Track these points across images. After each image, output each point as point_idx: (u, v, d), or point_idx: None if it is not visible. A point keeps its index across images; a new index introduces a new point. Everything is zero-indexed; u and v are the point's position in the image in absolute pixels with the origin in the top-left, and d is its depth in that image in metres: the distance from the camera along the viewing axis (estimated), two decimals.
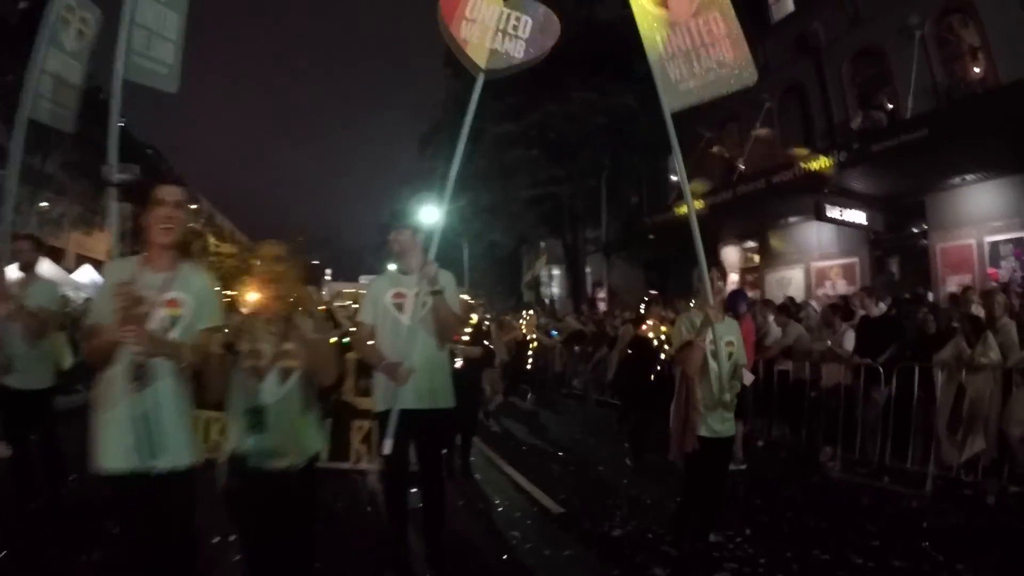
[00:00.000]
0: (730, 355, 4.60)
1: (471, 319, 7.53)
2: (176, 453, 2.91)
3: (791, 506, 6.36)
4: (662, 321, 8.53)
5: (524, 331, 12.84)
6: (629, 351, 8.97)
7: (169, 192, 3.04)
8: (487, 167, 22.10)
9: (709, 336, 4.41)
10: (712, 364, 4.48)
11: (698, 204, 10.99)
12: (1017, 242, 12.15)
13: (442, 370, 4.55)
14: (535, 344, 13.30)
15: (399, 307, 4.47)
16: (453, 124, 20.46)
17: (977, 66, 13.12)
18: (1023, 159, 11.28)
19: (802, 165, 13.48)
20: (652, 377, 8.08)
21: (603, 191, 22.75)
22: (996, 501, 6.28)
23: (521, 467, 7.81)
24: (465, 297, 7.13)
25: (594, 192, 22.87)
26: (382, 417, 4.33)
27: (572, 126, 20.95)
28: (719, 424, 4.52)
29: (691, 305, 4.67)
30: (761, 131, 16.81)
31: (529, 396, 11.77)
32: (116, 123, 3.94)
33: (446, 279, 4.40)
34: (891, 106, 14.61)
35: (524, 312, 14.65)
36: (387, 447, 4.18)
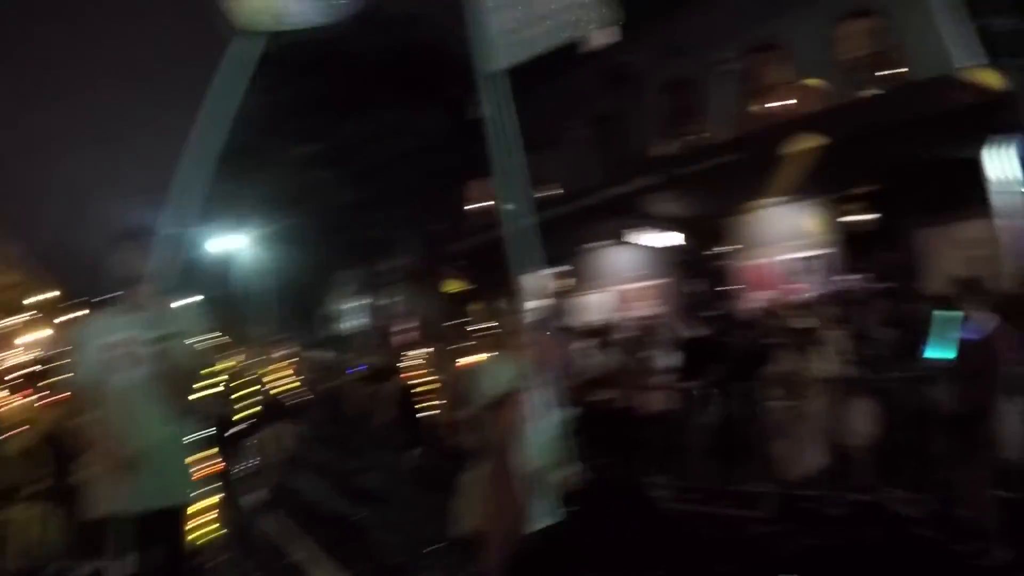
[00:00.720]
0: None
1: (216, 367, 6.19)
2: None
3: (631, 552, 5.57)
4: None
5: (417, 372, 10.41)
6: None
7: None
8: (284, 190, 20.58)
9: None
10: (533, 426, 3.12)
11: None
12: (816, 259, 12.98)
13: (177, 452, 3.23)
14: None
15: (119, 361, 3.13)
16: (255, 143, 19.11)
17: (784, 98, 13.89)
18: (820, 183, 11.96)
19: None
20: None
21: (408, 218, 21.89)
22: (839, 513, 6.11)
23: (314, 538, 6.58)
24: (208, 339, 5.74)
25: (400, 219, 21.96)
26: (94, 525, 3.01)
27: (377, 149, 20.01)
28: (548, 509, 3.21)
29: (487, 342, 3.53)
30: None
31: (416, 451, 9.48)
32: None
33: (184, 319, 3.13)
34: (703, 134, 15.20)
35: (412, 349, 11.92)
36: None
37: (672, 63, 15.51)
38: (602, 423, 8.17)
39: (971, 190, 10.67)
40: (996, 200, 10.60)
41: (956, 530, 5.26)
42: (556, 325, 7.96)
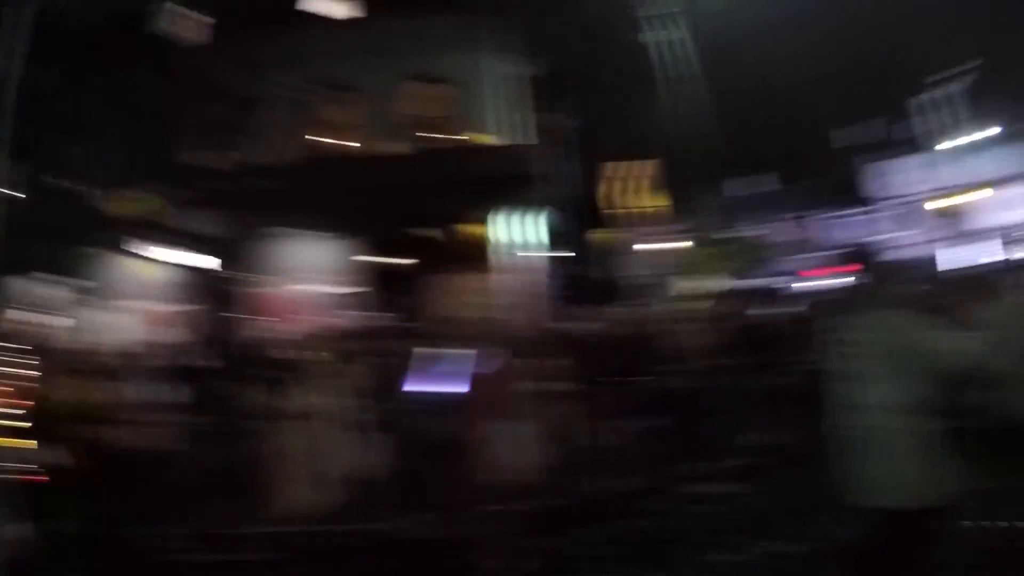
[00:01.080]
0: None
1: None
2: None
3: None
4: None
5: None
6: None
7: None
8: None
9: None
10: None
11: None
12: (340, 295, 13.59)
13: None
14: None
15: None
16: None
17: (341, 137, 14.54)
18: (356, 225, 13.04)
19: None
20: None
21: None
22: (352, 545, 6.16)
23: None
24: None
25: None
26: None
27: None
28: None
29: None
30: None
31: None
32: None
33: None
34: (255, 155, 14.70)
35: None
36: None
37: (241, 78, 14.92)
38: (92, 466, 6.75)
39: (486, 247, 12.42)
40: (507, 258, 12.60)
41: (465, 546, 5.58)
42: (32, 346, 6.65)
